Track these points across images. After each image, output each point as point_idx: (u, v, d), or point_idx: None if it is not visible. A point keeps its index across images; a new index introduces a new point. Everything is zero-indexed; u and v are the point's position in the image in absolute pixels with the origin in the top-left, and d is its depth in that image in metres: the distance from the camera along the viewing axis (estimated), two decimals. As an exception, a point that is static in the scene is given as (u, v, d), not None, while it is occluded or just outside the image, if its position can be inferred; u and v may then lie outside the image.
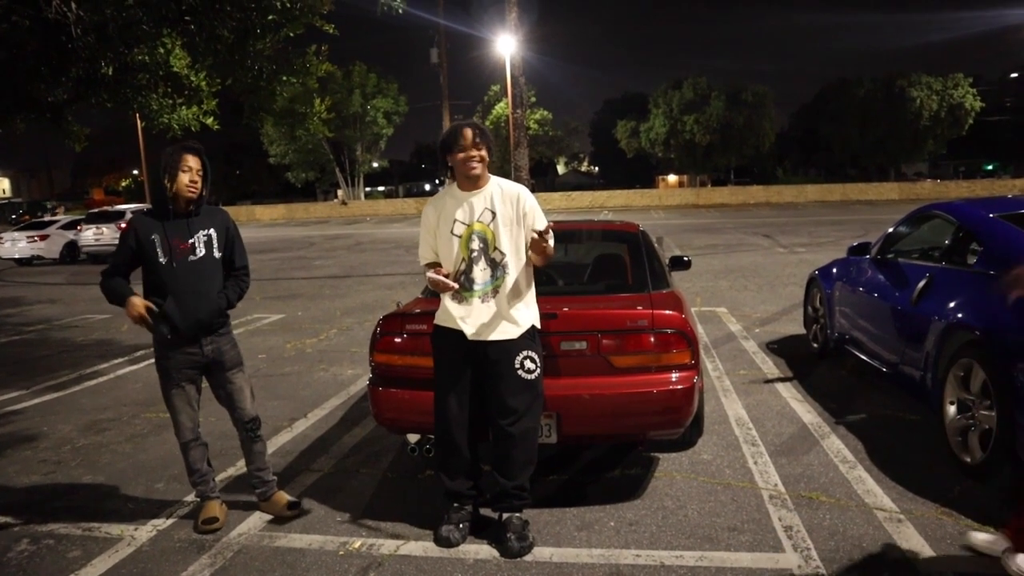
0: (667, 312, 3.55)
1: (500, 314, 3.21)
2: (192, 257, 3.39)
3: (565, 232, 5.08)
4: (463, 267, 3.24)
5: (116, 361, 7.42)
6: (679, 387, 3.44)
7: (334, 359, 7.05)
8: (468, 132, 3.19)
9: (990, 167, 58.73)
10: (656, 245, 4.86)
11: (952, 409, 3.87)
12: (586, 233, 5.58)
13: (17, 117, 7.46)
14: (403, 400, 3.63)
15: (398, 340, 3.67)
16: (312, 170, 50.86)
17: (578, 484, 3.88)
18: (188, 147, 3.40)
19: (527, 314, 3.28)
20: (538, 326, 3.33)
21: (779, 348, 6.72)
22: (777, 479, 3.81)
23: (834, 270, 6.19)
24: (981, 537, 2.98)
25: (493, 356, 3.20)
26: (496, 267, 3.23)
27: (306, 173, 50.89)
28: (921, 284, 4.41)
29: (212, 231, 3.46)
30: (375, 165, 53.11)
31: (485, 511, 3.45)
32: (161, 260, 3.35)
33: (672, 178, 59.96)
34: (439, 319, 3.33)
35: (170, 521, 3.63)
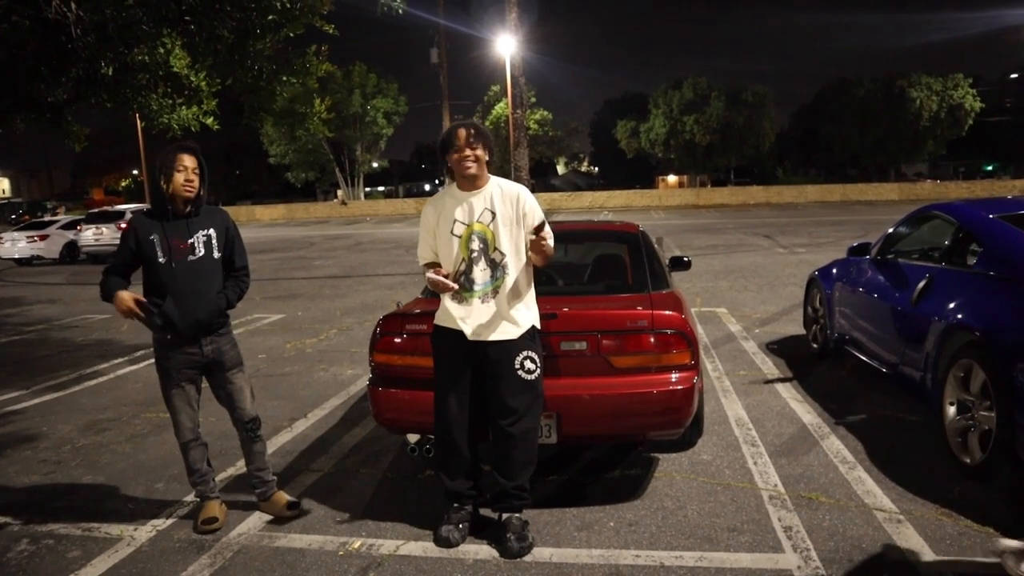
0: (667, 312, 3.55)
1: (500, 314, 3.21)
2: (191, 257, 3.39)
3: (565, 232, 5.08)
4: (463, 267, 3.24)
5: (116, 361, 7.42)
6: (679, 387, 3.44)
7: (334, 359, 7.06)
8: (462, 132, 3.20)
9: (990, 168, 58.73)
10: (656, 245, 4.86)
11: (952, 410, 3.87)
12: (586, 233, 5.58)
13: (17, 117, 7.46)
14: (403, 400, 3.63)
15: (398, 340, 3.67)
16: (312, 170, 50.85)
17: (578, 484, 3.88)
18: (183, 147, 3.40)
19: (527, 314, 3.28)
20: (538, 326, 3.33)
21: (779, 348, 6.72)
22: (777, 480, 3.81)
23: (834, 270, 6.19)
24: (1014, 544, 2.92)
25: (493, 356, 3.20)
26: (496, 267, 3.23)
27: (306, 173, 50.88)
28: (921, 285, 4.41)
29: (212, 231, 3.46)
30: (375, 165, 53.10)
31: (485, 511, 3.45)
32: (160, 260, 3.34)
33: (672, 178, 59.96)
34: (439, 319, 3.33)
35: (170, 521, 3.63)
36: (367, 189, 55.99)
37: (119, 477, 4.27)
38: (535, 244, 3.16)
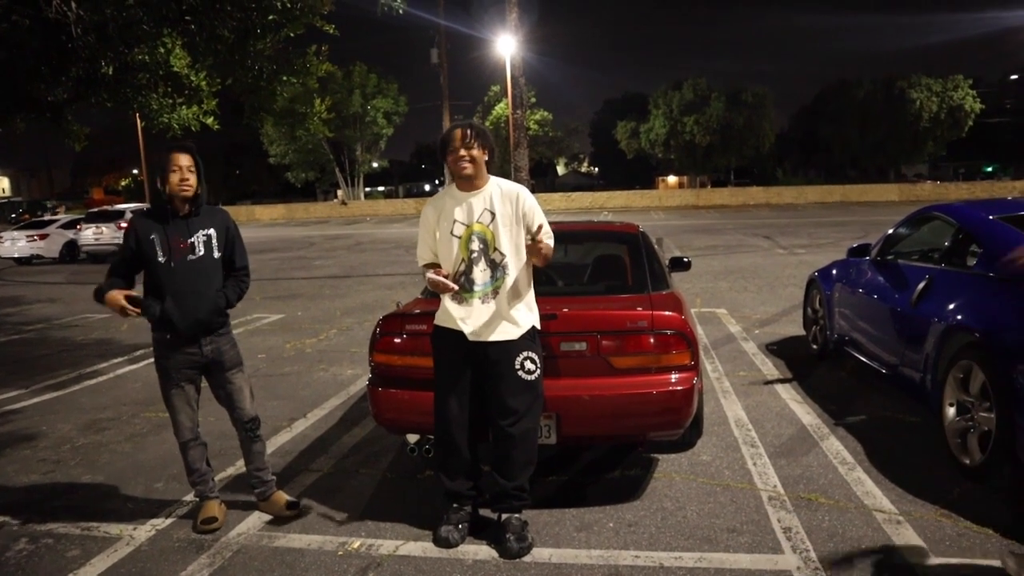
0: (667, 313, 3.55)
1: (500, 315, 3.21)
2: (191, 257, 3.39)
3: (565, 233, 5.08)
4: (463, 268, 3.24)
5: (115, 360, 7.42)
6: (679, 388, 3.44)
7: (334, 359, 7.05)
8: (458, 132, 3.20)
9: (990, 169, 58.73)
10: (656, 246, 4.86)
11: (951, 411, 3.87)
12: (586, 234, 5.58)
13: (17, 116, 7.46)
14: (403, 400, 3.63)
15: (398, 340, 3.67)
16: (312, 170, 50.85)
17: (577, 485, 3.88)
18: (176, 146, 3.39)
19: (527, 315, 3.28)
20: (538, 327, 3.33)
21: (779, 349, 6.72)
22: (776, 480, 3.81)
23: (834, 271, 6.19)
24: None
25: (493, 356, 3.20)
26: (496, 268, 3.23)
27: (306, 173, 50.88)
28: (921, 286, 4.41)
29: (212, 231, 3.45)
30: (375, 165, 53.09)
31: (484, 512, 3.45)
32: (160, 260, 3.35)
33: (672, 179, 59.96)
34: (439, 319, 3.33)
35: (169, 521, 3.63)
36: (367, 189, 56.00)
37: (118, 476, 4.26)
38: (533, 247, 3.15)
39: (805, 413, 4.87)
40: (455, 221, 3.25)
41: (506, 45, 22.55)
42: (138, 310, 3.31)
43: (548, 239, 3.23)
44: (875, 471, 3.89)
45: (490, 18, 26.38)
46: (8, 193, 70.09)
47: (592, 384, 3.47)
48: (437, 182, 69.53)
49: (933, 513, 3.39)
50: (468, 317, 3.22)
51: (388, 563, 3.13)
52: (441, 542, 3.24)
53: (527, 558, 3.12)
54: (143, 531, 3.52)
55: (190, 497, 3.81)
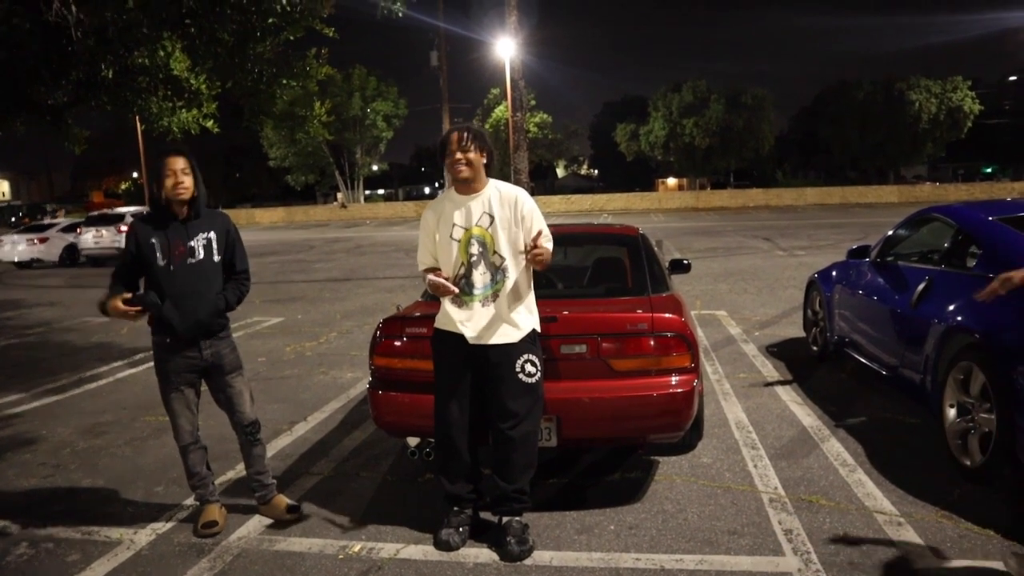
0: (667, 315, 3.55)
1: (501, 318, 3.21)
2: (191, 260, 3.39)
3: (565, 236, 5.08)
4: (462, 271, 3.24)
5: (115, 364, 7.41)
6: (679, 390, 3.44)
7: (334, 362, 7.05)
8: (454, 136, 3.20)
9: (989, 170, 58.76)
10: (656, 248, 4.87)
11: (952, 412, 3.87)
12: (586, 236, 5.58)
13: (17, 120, 7.46)
14: (403, 403, 3.63)
15: (398, 343, 3.67)
16: (312, 173, 50.87)
17: (578, 488, 3.88)
18: (169, 150, 3.39)
19: (528, 318, 3.28)
20: (538, 329, 3.33)
21: (779, 351, 6.72)
22: (777, 482, 3.81)
23: (834, 273, 6.19)
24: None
25: (494, 359, 3.20)
26: (496, 271, 3.23)
27: (306, 176, 50.91)
28: (921, 287, 4.41)
29: (212, 234, 3.45)
30: (375, 168, 53.10)
31: (485, 515, 3.45)
32: (160, 263, 3.35)
33: (672, 181, 59.98)
34: (439, 323, 3.33)
35: (169, 525, 3.63)
36: (367, 192, 56.00)
37: (119, 480, 4.26)
38: (531, 253, 3.14)
39: (805, 415, 4.87)
40: (454, 225, 3.25)
41: (505, 48, 22.57)
42: (138, 308, 3.30)
43: (547, 243, 3.23)
44: (876, 473, 3.89)
45: (489, 21, 26.40)
46: (8, 196, 70.15)
47: (592, 387, 3.47)
48: (437, 185, 69.51)
49: (934, 515, 3.39)
50: (468, 320, 3.22)
51: (389, 566, 3.12)
52: (442, 545, 3.24)
53: (528, 561, 3.11)
54: (143, 535, 3.52)
55: (190, 501, 3.81)
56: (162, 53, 6.90)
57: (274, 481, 3.71)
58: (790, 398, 5.26)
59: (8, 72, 6.50)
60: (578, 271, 5.10)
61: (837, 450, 4.23)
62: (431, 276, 3.22)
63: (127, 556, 3.31)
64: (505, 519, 3.27)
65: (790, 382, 5.69)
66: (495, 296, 3.22)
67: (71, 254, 21.07)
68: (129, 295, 3.31)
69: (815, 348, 6.43)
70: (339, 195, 50.04)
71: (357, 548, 3.29)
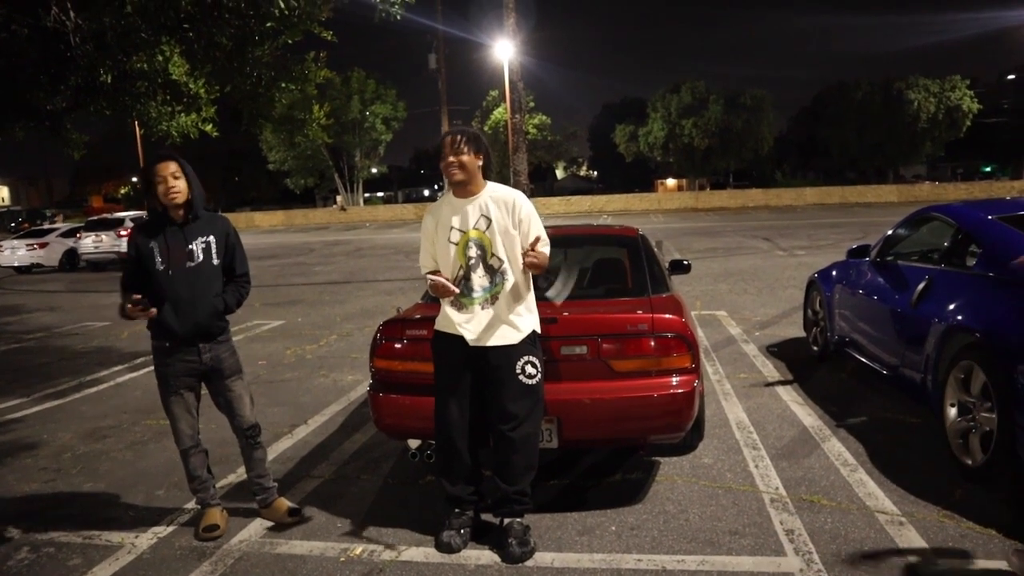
0: (667, 316, 3.55)
1: (501, 319, 3.21)
2: (190, 263, 3.39)
3: (564, 237, 5.08)
4: (461, 274, 3.25)
5: (116, 368, 7.41)
6: (680, 391, 3.44)
7: (334, 365, 7.05)
8: (448, 139, 3.21)
9: (988, 169, 58.75)
10: (655, 249, 4.87)
11: (953, 411, 3.86)
12: (585, 238, 5.58)
13: (16, 125, 7.46)
14: (404, 406, 3.63)
15: (398, 346, 3.67)
16: (311, 176, 50.91)
17: (579, 489, 3.88)
18: (157, 156, 3.39)
19: (528, 319, 3.28)
20: (539, 331, 3.33)
21: (779, 351, 6.72)
22: (778, 482, 3.81)
23: (834, 273, 6.19)
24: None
25: (494, 361, 3.20)
26: (495, 273, 3.23)
27: (305, 179, 50.94)
28: (921, 286, 4.41)
29: (211, 238, 3.46)
30: (374, 171, 53.12)
31: (486, 516, 3.45)
32: (159, 267, 3.35)
33: (671, 182, 59.97)
34: (439, 324, 3.33)
35: (171, 528, 3.63)
36: (366, 195, 55.98)
37: (120, 484, 4.26)
38: (528, 258, 3.12)
39: (806, 415, 4.87)
40: (452, 228, 3.25)
41: (504, 50, 22.58)
42: (143, 304, 3.29)
43: (544, 248, 3.22)
44: (877, 472, 3.88)
45: (488, 23, 26.41)
46: (7, 202, 70.12)
47: (593, 388, 3.47)
48: (436, 187, 69.58)
49: (935, 514, 3.39)
50: (468, 322, 3.22)
51: (390, 569, 3.12)
52: (443, 547, 3.24)
53: (529, 562, 3.11)
54: (145, 539, 3.51)
55: (191, 504, 3.81)
56: (160, 58, 6.90)
57: (275, 484, 3.71)
58: (791, 398, 5.26)
59: (7, 78, 6.50)
60: (578, 272, 5.09)
61: (838, 450, 4.23)
62: (432, 277, 3.22)
63: (128, 560, 3.31)
64: (506, 521, 3.27)
65: (791, 382, 5.69)
66: (494, 299, 3.23)
67: (71, 259, 21.09)
68: (138, 296, 3.31)
69: (815, 348, 6.42)
70: (338, 198, 50.07)
71: (358, 551, 3.29)
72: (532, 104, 48.35)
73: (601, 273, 4.72)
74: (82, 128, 8.41)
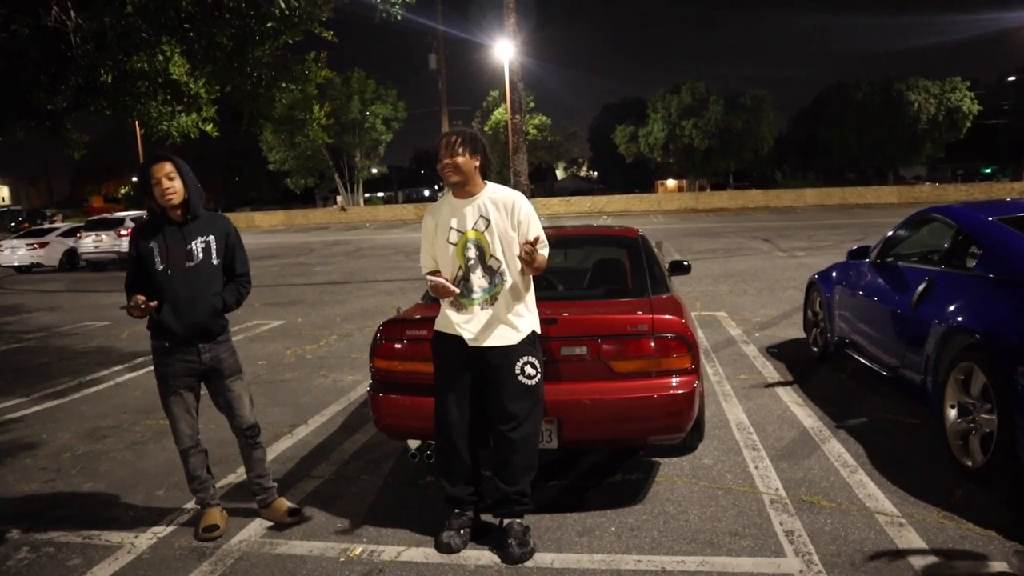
0: (667, 317, 3.55)
1: (500, 320, 3.21)
2: (189, 263, 3.39)
3: (564, 237, 5.08)
4: (461, 275, 3.25)
5: (116, 368, 7.41)
6: (680, 392, 3.44)
7: (334, 365, 7.05)
8: (443, 141, 3.21)
9: (988, 170, 58.77)
10: (655, 250, 4.87)
11: (953, 413, 3.86)
12: (585, 238, 5.59)
13: (17, 125, 7.47)
14: (403, 406, 3.63)
15: (398, 346, 3.67)
16: (311, 176, 50.91)
17: (579, 489, 3.87)
18: (152, 158, 3.39)
19: (527, 319, 3.28)
20: (538, 331, 3.33)
21: (779, 352, 6.72)
22: (778, 483, 3.81)
23: (834, 274, 6.19)
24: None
25: (494, 362, 3.20)
26: (494, 274, 3.23)
27: (305, 179, 50.94)
28: (921, 287, 4.41)
29: (211, 238, 3.46)
30: (374, 171, 53.14)
31: (486, 517, 3.44)
32: (159, 267, 3.35)
33: (671, 182, 60.00)
34: (439, 325, 3.33)
35: (170, 528, 3.63)
36: (366, 195, 56.00)
37: (119, 484, 4.26)
38: (526, 259, 3.12)
39: (806, 416, 4.87)
40: (451, 228, 3.25)
41: (504, 50, 22.59)
42: (145, 301, 3.30)
43: (543, 249, 3.22)
44: (877, 473, 3.88)
45: (488, 23, 26.40)
46: (8, 202, 70.09)
47: (593, 388, 3.47)
48: (436, 188, 69.54)
49: (935, 515, 3.39)
50: (468, 323, 3.22)
51: (390, 569, 3.12)
52: (443, 548, 3.24)
53: (529, 563, 3.11)
54: (144, 539, 3.51)
55: (191, 504, 3.81)
56: (161, 58, 6.91)
57: (275, 484, 3.71)
58: (791, 399, 5.26)
59: (7, 78, 6.51)
60: (578, 273, 5.10)
61: (838, 451, 4.23)
62: (431, 277, 3.22)
63: (128, 560, 3.31)
64: (506, 521, 3.27)
65: (791, 383, 5.69)
66: (494, 299, 3.22)
67: (71, 258, 21.09)
68: (142, 297, 3.31)
69: (815, 349, 6.42)
70: (338, 198, 50.08)
71: (358, 551, 3.29)
72: (532, 104, 48.35)
73: (601, 274, 4.72)
74: (82, 128, 8.42)
